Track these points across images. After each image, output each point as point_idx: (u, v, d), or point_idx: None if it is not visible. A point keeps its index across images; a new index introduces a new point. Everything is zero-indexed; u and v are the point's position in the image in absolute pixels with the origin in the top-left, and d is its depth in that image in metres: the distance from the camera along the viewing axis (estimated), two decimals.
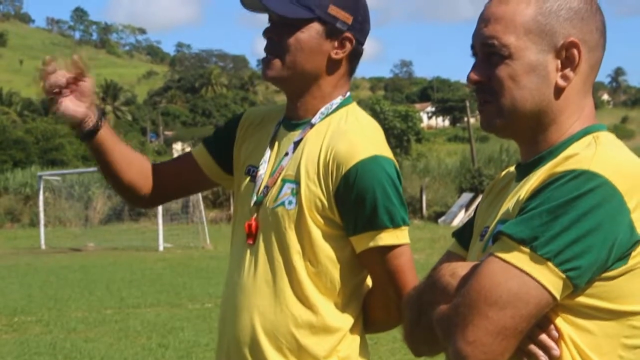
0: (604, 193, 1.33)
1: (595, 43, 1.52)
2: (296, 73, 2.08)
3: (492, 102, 1.52)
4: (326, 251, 2.03)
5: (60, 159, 55.29)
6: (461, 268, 1.46)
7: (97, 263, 18.96)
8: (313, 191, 2.02)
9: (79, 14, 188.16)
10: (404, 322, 1.60)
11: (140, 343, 8.58)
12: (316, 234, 2.02)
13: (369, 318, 2.12)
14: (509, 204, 1.51)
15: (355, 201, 1.99)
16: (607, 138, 1.48)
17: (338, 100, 2.13)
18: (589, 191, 1.32)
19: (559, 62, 1.49)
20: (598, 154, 1.39)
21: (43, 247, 25.14)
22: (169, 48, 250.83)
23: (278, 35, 2.08)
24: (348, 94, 2.16)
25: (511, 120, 1.52)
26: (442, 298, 1.43)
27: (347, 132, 2.04)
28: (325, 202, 2.02)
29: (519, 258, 1.33)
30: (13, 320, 10.34)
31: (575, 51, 1.48)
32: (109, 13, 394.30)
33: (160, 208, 24.55)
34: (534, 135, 1.54)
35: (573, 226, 1.31)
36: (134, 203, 2.47)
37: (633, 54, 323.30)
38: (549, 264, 1.31)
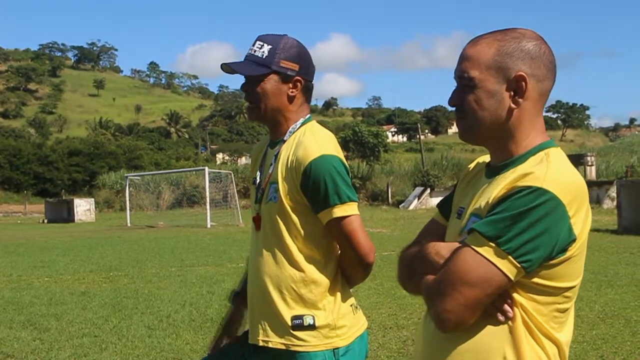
0: (551, 205, 1.29)
1: (543, 76, 1.43)
2: (267, 111, 2.09)
3: (464, 119, 1.46)
4: (304, 226, 2.02)
5: (140, 165, 55.19)
6: (443, 249, 1.42)
7: (165, 236, 18.94)
8: (286, 186, 2.02)
9: (153, 65, 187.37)
10: (398, 273, 1.55)
11: (194, 290, 8.56)
12: (295, 215, 2.02)
13: (343, 275, 2.10)
14: (480, 199, 1.44)
15: (313, 189, 1.98)
16: (555, 156, 1.40)
17: (300, 121, 2.12)
18: (540, 204, 1.28)
19: (511, 91, 1.42)
20: (549, 173, 1.32)
21: (129, 225, 25.10)
22: (213, 88, 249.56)
23: (250, 88, 2.09)
24: (308, 115, 2.16)
25: (477, 132, 1.47)
26: (427, 270, 1.40)
27: (303, 142, 2.03)
28: (295, 192, 2.01)
29: (487, 251, 1.29)
30: (109, 275, 10.31)
31: (523, 83, 1.41)
32: (173, 64, 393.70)
33: (207, 198, 24.59)
34: (498, 145, 1.47)
35: (527, 230, 1.28)
36: None
37: None
38: (510, 257, 1.29)
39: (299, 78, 2.09)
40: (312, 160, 1.97)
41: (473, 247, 1.31)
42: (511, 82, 1.41)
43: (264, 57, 2.06)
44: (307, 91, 2.14)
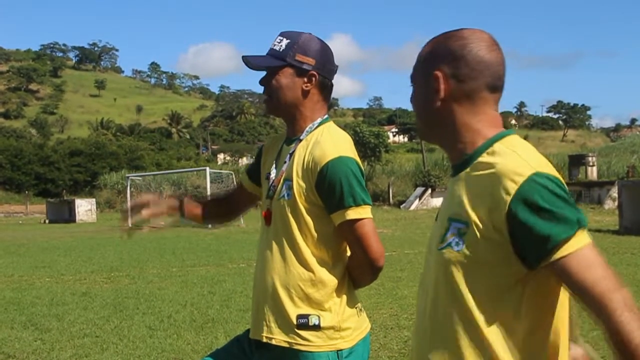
0: (560, 182, 1.28)
1: (466, 75, 1.38)
2: (281, 104, 2.10)
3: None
4: (315, 226, 2.02)
5: (141, 165, 55.32)
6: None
7: (166, 236, 18.94)
8: (301, 185, 2.01)
9: (154, 66, 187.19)
10: None
11: (195, 291, 8.57)
12: (307, 214, 2.01)
13: (351, 277, 2.10)
14: (452, 201, 1.39)
15: (328, 189, 1.97)
16: (518, 141, 1.36)
17: (318, 120, 2.12)
18: (557, 183, 1.26)
19: (432, 89, 1.41)
20: (529, 159, 1.29)
21: (130, 225, 25.09)
22: (214, 89, 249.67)
23: (267, 81, 2.11)
24: (326, 116, 2.15)
25: (420, 131, 1.50)
26: None
27: (320, 142, 2.03)
28: (310, 192, 2.00)
29: (581, 238, 1.25)
30: (110, 275, 10.33)
31: (435, 82, 1.40)
32: (174, 65, 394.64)
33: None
34: (443, 144, 1.47)
35: (576, 208, 1.26)
36: (221, 225, 2.64)
37: (530, 92, 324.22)
38: (584, 229, 1.26)
39: (313, 72, 2.08)
40: (329, 160, 1.97)
41: (576, 247, 1.25)
42: (429, 81, 1.41)
43: (280, 50, 2.08)
44: (324, 88, 2.13)
